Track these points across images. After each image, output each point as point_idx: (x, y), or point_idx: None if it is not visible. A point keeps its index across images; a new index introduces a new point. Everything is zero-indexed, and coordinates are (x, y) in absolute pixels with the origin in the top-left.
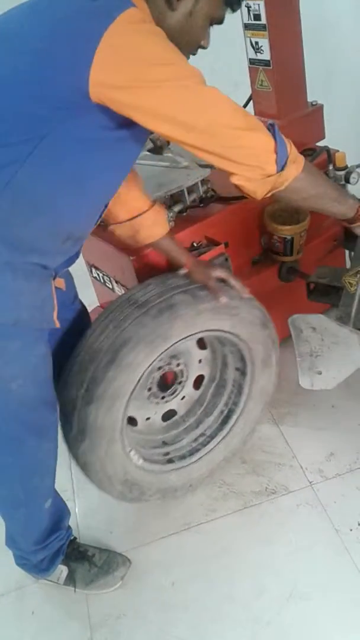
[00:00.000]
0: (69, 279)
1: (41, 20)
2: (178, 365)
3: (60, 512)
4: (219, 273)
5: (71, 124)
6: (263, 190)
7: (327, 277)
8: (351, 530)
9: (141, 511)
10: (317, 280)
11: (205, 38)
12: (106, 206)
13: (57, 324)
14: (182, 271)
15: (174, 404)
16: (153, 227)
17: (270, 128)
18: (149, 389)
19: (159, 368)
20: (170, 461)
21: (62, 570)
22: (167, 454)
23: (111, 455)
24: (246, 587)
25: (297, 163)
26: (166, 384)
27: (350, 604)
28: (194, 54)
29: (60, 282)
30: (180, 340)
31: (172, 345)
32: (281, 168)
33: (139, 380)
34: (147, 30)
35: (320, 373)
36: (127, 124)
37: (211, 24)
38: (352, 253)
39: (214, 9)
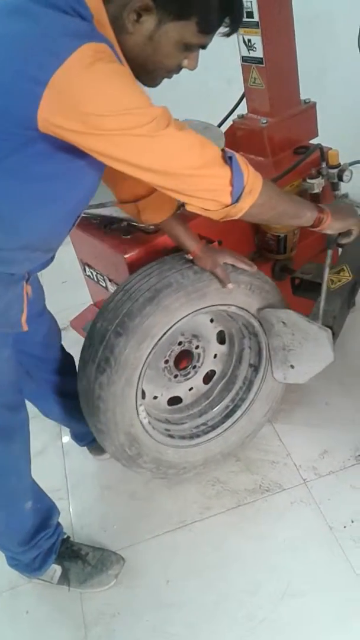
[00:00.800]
0: (38, 288)
1: None
2: (197, 347)
3: (47, 511)
4: (227, 258)
5: (25, 152)
6: (218, 216)
7: (312, 273)
8: (345, 527)
9: (135, 509)
10: (301, 276)
11: (187, 60)
12: (78, 217)
13: (25, 327)
14: (188, 257)
15: (181, 391)
16: (158, 209)
17: (229, 160)
18: (166, 361)
19: (180, 343)
20: (170, 436)
21: (55, 569)
22: (169, 430)
23: (125, 398)
24: (241, 584)
25: (252, 193)
26: (180, 368)
27: (344, 601)
28: (167, 77)
29: (27, 289)
30: (212, 306)
31: (204, 308)
32: (236, 200)
33: (170, 328)
34: (100, 71)
35: (292, 367)
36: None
37: (188, 49)
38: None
39: (184, 35)
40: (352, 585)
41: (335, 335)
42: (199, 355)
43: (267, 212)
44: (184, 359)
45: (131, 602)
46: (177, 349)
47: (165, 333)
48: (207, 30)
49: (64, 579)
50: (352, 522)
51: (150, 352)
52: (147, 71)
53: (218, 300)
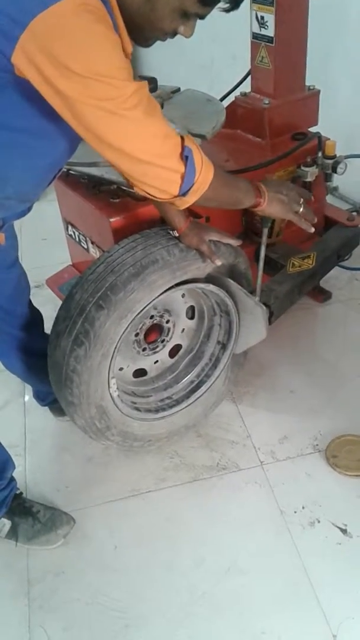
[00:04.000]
0: (12, 238)
1: None
2: (167, 322)
3: (3, 463)
4: (213, 235)
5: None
6: (163, 199)
7: (280, 253)
8: (295, 512)
9: (91, 473)
10: (269, 254)
11: (183, 27)
12: (58, 172)
13: None
14: (174, 234)
15: (147, 363)
16: None
17: (184, 158)
18: (136, 334)
19: (151, 317)
20: (137, 409)
21: (4, 523)
22: (135, 403)
23: (99, 371)
24: (186, 557)
25: (199, 190)
26: (147, 341)
27: (285, 583)
28: (161, 40)
29: (0, 236)
30: (191, 282)
31: (184, 284)
32: (183, 194)
33: (151, 302)
34: (84, 26)
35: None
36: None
37: (185, 16)
38: None
39: (185, 3)
40: (295, 569)
41: (274, 316)
42: (168, 329)
43: (210, 203)
44: (153, 332)
45: (76, 564)
46: (148, 323)
47: (144, 308)
48: (207, 2)
49: (13, 534)
50: (303, 508)
51: (128, 327)
52: (141, 30)
53: (198, 274)
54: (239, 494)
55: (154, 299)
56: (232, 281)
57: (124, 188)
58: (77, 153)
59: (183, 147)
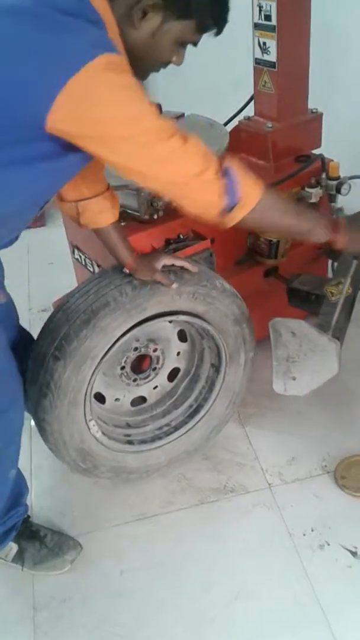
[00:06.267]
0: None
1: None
2: (155, 350)
3: (21, 487)
4: (165, 261)
5: (30, 147)
6: (211, 221)
7: (309, 284)
8: (304, 535)
9: (97, 497)
10: (298, 287)
11: (176, 56)
12: (47, 202)
13: None
14: (125, 270)
15: (145, 390)
16: (98, 214)
17: (225, 172)
18: (122, 367)
19: (135, 349)
20: (129, 442)
21: (11, 547)
22: (129, 435)
23: (71, 418)
24: (194, 582)
25: (246, 206)
26: (142, 369)
27: (295, 607)
28: (156, 71)
29: None
30: (155, 318)
31: (147, 321)
32: (229, 210)
33: (112, 346)
34: (111, 81)
35: (294, 379)
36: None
37: (182, 46)
38: (335, 263)
39: (184, 33)
40: (305, 592)
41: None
42: (157, 358)
43: (265, 225)
44: (144, 361)
45: (83, 589)
46: (132, 355)
47: (108, 351)
48: (203, 29)
49: (19, 558)
50: (312, 530)
51: (94, 372)
52: (143, 64)
53: (160, 310)
54: (247, 517)
55: (114, 342)
56: (303, 321)
57: (129, 211)
58: None
59: (222, 164)
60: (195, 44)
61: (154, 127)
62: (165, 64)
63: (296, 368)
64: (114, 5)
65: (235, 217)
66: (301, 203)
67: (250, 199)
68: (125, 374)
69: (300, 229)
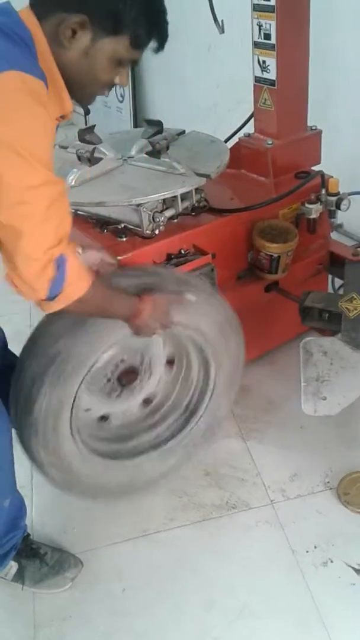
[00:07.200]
0: None
1: None
2: (142, 363)
3: (19, 510)
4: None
5: None
6: (27, 299)
7: (322, 302)
8: (307, 552)
9: (98, 514)
10: (313, 305)
11: (118, 76)
12: None
13: None
14: None
15: (149, 389)
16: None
17: (58, 265)
18: (108, 379)
19: (122, 361)
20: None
21: (11, 566)
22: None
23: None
24: (197, 600)
25: (65, 300)
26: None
27: (298, 625)
28: (105, 95)
29: None
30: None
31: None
32: (49, 298)
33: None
34: (25, 104)
35: (324, 399)
36: None
37: (121, 65)
38: (335, 278)
39: (118, 50)
40: (308, 610)
41: None
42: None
43: (79, 312)
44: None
45: (84, 607)
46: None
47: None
48: (138, 45)
49: (19, 576)
50: (315, 547)
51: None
52: (82, 86)
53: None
54: (249, 534)
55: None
56: (337, 339)
57: (131, 227)
58: (84, 193)
59: (59, 255)
60: (135, 62)
61: (40, 177)
62: (108, 86)
63: (326, 388)
64: (43, 25)
65: (53, 307)
66: (116, 288)
67: (70, 296)
68: (112, 390)
69: (107, 316)
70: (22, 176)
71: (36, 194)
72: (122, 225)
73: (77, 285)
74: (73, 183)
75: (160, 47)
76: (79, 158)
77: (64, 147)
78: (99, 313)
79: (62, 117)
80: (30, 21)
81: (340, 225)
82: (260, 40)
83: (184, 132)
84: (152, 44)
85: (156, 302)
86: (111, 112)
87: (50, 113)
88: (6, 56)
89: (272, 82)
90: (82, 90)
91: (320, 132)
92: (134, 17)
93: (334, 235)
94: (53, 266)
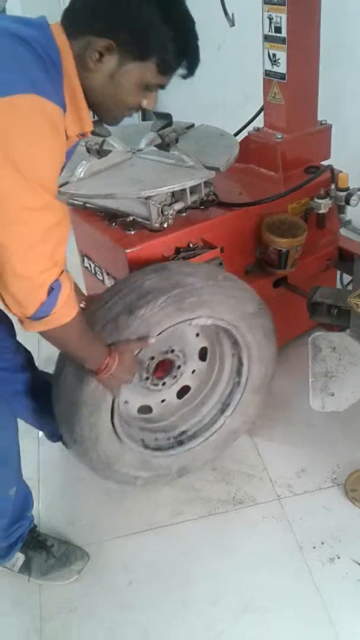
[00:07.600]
0: None
1: None
2: (178, 357)
3: (25, 501)
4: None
5: None
6: (12, 313)
7: (330, 297)
8: (314, 548)
9: (105, 507)
10: (321, 300)
11: (145, 100)
12: None
13: None
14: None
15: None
16: None
17: (51, 289)
18: (146, 378)
19: (152, 358)
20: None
21: (18, 557)
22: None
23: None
24: (203, 594)
25: (49, 324)
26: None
27: (304, 622)
28: (128, 116)
29: None
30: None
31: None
32: (35, 319)
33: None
34: (38, 128)
35: (332, 394)
36: None
37: (148, 89)
38: (343, 274)
39: (145, 75)
40: (314, 607)
41: None
42: (179, 366)
43: (56, 344)
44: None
45: (90, 600)
46: (152, 363)
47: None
48: (165, 71)
49: (26, 568)
50: (322, 543)
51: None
52: (108, 109)
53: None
54: (255, 529)
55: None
56: (346, 335)
57: (140, 220)
58: (93, 186)
59: (55, 280)
60: (162, 86)
61: (42, 204)
62: (135, 108)
63: (334, 383)
64: (73, 45)
65: (35, 328)
66: (94, 335)
67: (56, 321)
68: (148, 380)
69: (80, 359)
70: (21, 196)
71: (33, 216)
72: (131, 218)
73: (65, 312)
74: (82, 175)
75: (190, 73)
76: (88, 150)
77: None
78: (74, 345)
79: (82, 135)
80: (62, 41)
81: (348, 222)
82: (270, 33)
83: (193, 125)
84: (181, 70)
85: (122, 357)
86: None
87: (68, 132)
88: (32, 79)
89: (282, 76)
90: (108, 112)
91: (330, 126)
92: (161, 44)
93: (342, 231)
94: (46, 290)
